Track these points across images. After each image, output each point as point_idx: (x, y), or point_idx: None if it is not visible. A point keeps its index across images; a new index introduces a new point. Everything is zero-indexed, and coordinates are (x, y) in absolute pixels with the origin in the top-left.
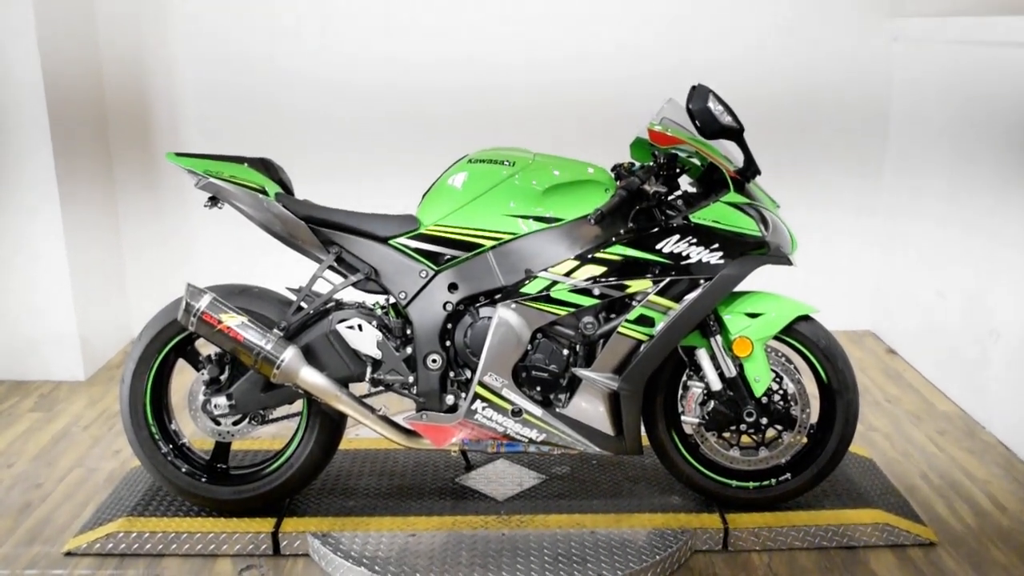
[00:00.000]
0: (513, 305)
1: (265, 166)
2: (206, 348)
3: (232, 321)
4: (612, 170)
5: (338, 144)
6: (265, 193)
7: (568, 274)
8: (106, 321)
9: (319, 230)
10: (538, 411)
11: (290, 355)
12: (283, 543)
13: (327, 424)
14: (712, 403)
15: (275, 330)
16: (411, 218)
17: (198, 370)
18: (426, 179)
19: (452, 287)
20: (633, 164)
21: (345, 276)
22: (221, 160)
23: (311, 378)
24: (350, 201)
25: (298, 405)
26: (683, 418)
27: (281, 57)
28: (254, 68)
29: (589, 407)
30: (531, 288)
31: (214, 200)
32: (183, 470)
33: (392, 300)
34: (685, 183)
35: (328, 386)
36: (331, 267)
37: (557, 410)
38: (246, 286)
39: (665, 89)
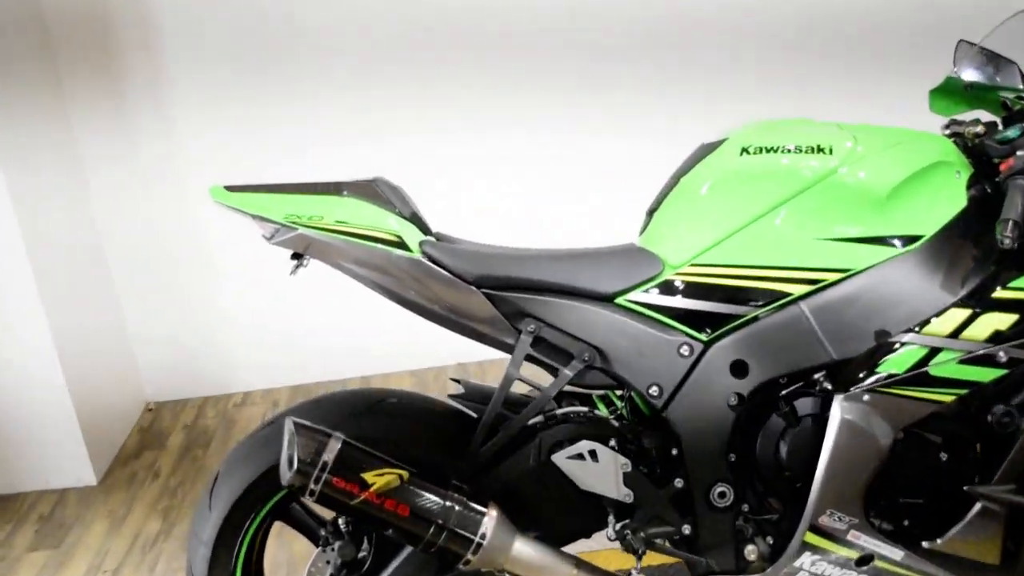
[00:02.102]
0: (865, 396)
1: (378, 194)
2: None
3: (385, 482)
4: (948, 136)
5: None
6: (402, 245)
7: (955, 333)
8: (110, 392)
9: (501, 297)
10: (898, 554)
11: (492, 527)
12: None
13: None
14: None
15: (453, 480)
16: (645, 255)
17: (318, 544)
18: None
19: (738, 368)
20: (961, 123)
21: (551, 367)
22: (306, 192)
23: (528, 556)
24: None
25: None
26: None
27: None
28: None
29: (974, 535)
30: (894, 363)
31: (299, 257)
32: None
33: (631, 395)
34: None
35: (555, 564)
36: (528, 355)
37: (925, 546)
38: (378, 394)
39: None
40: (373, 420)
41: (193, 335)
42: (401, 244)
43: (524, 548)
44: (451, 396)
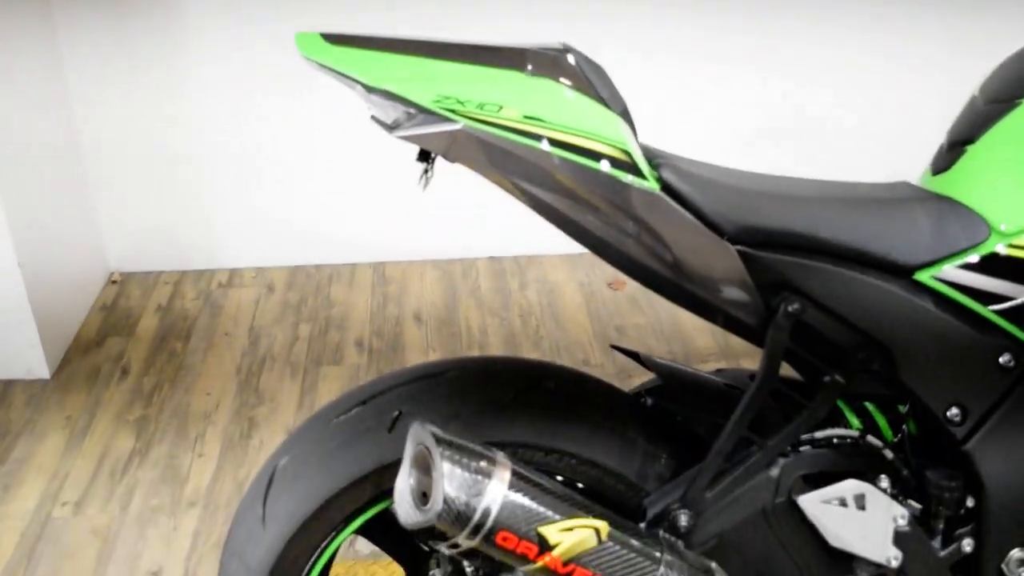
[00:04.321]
0: None
1: (579, 74)
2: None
3: (576, 542)
4: None
5: None
6: (631, 167)
7: None
8: (66, 257)
9: (758, 258)
10: None
11: None
12: None
13: None
14: None
15: (663, 533)
16: (959, 212)
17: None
18: None
19: None
20: None
21: (810, 366)
22: (465, 60)
23: None
24: None
25: None
26: None
27: None
28: None
29: None
30: None
31: (427, 157)
32: None
33: (914, 417)
34: None
35: None
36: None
37: None
38: (528, 372)
39: None
40: (526, 418)
41: (170, 193)
42: (630, 165)
43: None
44: (645, 390)
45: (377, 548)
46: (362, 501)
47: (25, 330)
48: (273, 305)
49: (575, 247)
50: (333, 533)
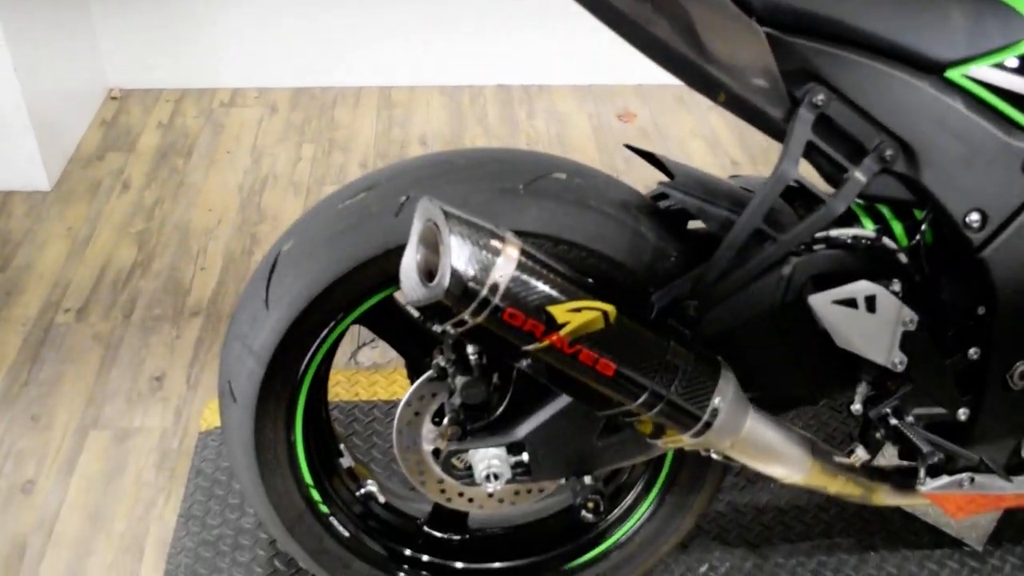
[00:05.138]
0: None
1: None
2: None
3: (583, 322)
4: None
5: None
6: None
7: None
8: (64, 71)
9: (786, 43)
10: None
11: (729, 398)
12: None
13: (687, 487)
14: None
15: (670, 321)
16: (995, 8)
17: (414, 365)
18: None
19: None
20: None
21: (832, 162)
22: None
23: (759, 439)
24: None
25: None
26: None
27: None
28: None
29: None
30: None
31: None
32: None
33: (931, 221)
34: None
35: (790, 450)
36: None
37: None
38: (534, 164)
39: None
40: (535, 208)
41: (171, 9)
42: None
43: (756, 428)
44: (662, 185)
45: (379, 360)
46: (366, 286)
47: (24, 141)
48: (276, 125)
49: (585, 78)
50: (335, 321)
